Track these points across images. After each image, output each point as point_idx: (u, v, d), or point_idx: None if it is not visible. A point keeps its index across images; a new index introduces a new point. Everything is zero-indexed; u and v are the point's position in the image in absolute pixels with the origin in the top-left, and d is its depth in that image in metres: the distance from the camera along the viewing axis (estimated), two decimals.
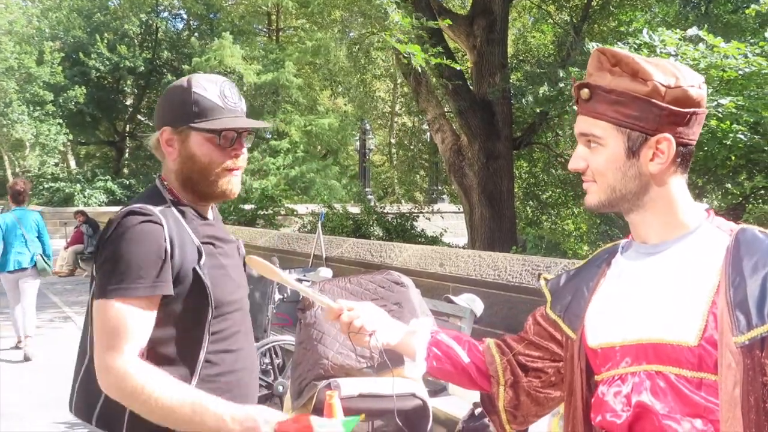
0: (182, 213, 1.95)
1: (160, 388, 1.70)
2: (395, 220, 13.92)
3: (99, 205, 26.60)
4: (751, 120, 6.23)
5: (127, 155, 34.01)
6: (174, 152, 1.98)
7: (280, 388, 5.37)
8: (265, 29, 32.71)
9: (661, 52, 6.42)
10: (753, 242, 1.38)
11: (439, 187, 22.83)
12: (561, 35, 14.40)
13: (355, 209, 14.92)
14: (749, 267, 1.34)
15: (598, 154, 1.47)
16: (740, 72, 6.07)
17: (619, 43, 7.29)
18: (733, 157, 6.50)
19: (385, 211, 14.98)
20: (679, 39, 6.49)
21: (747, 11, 8.02)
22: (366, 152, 24.43)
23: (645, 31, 7.17)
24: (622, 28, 13.51)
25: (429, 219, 15.60)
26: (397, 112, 23.87)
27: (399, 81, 20.91)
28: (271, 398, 5.54)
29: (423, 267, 6.25)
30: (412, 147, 17.64)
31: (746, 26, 11.01)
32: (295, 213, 16.27)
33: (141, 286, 1.77)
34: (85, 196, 27.39)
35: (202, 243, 1.92)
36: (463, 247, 11.63)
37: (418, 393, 3.66)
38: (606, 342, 1.50)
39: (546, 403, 1.74)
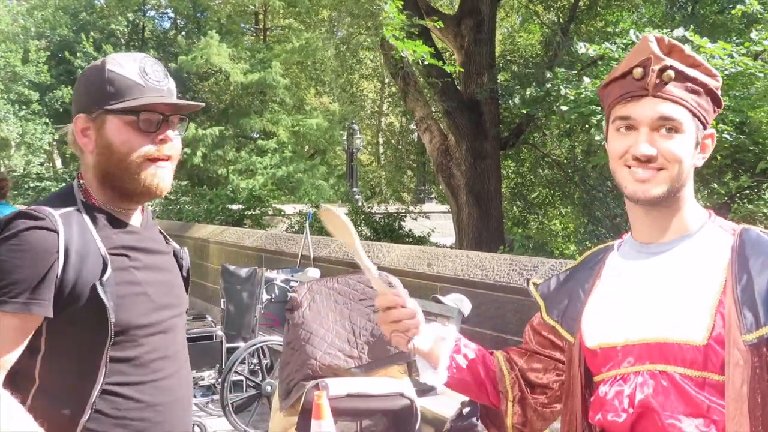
0: (93, 218, 1.66)
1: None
2: (383, 220, 13.93)
3: None
4: (737, 120, 6.27)
5: None
6: (90, 143, 1.69)
7: (268, 388, 5.35)
8: (252, 29, 32.62)
9: None
10: (758, 242, 1.39)
11: (427, 187, 22.84)
12: (548, 35, 14.43)
13: (342, 209, 14.91)
14: (756, 266, 1.34)
15: (674, 140, 1.40)
16: (726, 72, 6.11)
17: (606, 43, 7.31)
18: (719, 157, 6.54)
19: (373, 211, 14.98)
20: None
21: (733, 12, 8.06)
22: (353, 152, 24.41)
23: (632, 31, 7.19)
24: (609, 29, 13.56)
25: (416, 219, 15.61)
26: (385, 112, 23.89)
27: (387, 81, 20.92)
28: (259, 398, 5.53)
29: (411, 267, 6.25)
30: (399, 147, 17.67)
31: (732, 27, 11.08)
32: (282, 213, 16.23)
33: (11, 302, 1.49)
34: None
35: (113, 254, 1.63)
36: (451, 247, 11.64)
37: (406, 393, 3.66)
38: (606, 342, 1.48)
39: (551, 417, 1.69)
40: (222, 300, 6.42)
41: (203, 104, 1.81)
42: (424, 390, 4.38)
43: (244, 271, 6.18)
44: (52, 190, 27.25)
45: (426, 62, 9.04)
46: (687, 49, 1.43)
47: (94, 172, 1.71)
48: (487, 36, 11.77)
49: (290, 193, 24.93)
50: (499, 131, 12.12)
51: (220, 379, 5.39)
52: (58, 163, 33.37)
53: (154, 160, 1.69)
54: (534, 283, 1.76)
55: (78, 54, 28.51)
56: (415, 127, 14.15)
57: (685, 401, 1.35)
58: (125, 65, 1.68)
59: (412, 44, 8.72)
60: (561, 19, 13.86)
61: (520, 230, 15.83)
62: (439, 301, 5.10)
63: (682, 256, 1.43)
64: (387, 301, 1.63)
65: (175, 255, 1.91)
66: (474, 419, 3.57)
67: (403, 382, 3.91)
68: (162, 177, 1.70)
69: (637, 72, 1.41)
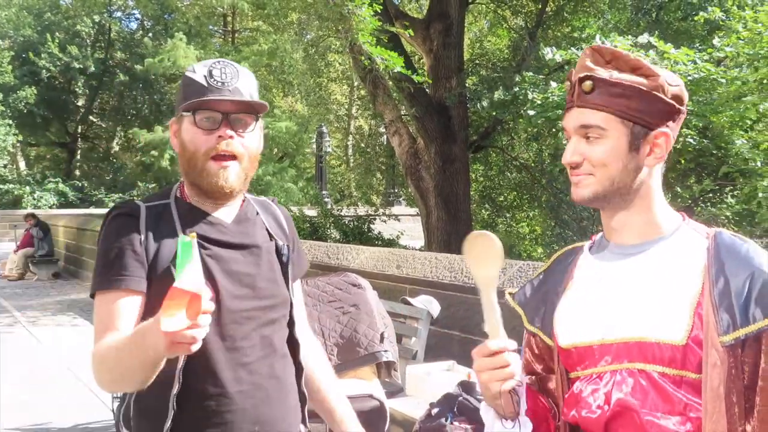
0: (180, 211, 1.83)
1: (108, 344, 1.63)
2: (352, 223, 13.89)
3: (49, 207, 26.05)
4: (700, 125, 6.39)
5: (78, 157, 33.36)
6: (176, 144, 1.85)
7: None
8: (220, 31, 32.42)
9: None
10: (732, 246, 1.43)
11: (396, 190, 22.87)
12: (516, 40, 14.56)
13: (311, 212, 14.85)
14: (732, 269, 1.38)
15: (598, 145, 1.46)
16: (689, 78, 6.22)
17: (572, 48, 7.40)
18: (682, 161, 6.66)
19: (342, 213, 14.94)
20: (631, 45, 6.62)
21: (696, 18, 8.22)
22: (322, 155, 24.36)
23: (598, 37, 7.29)
24: (575, 34, 13.72)
25: (386, 221, 15.62)
26: (354, 116, 23.88)
27: (356, 84, 20.91)
28: None
29: (380, 269, 6.27)
30: (368, 150, 17.65)
31: (695, 33, 11.29)
32: None
33: (106, 279, 1.72)
34: (34, 198, 26.81)
35: None
36: (420, 250, 11.67)
37: (375, 394, 3.67)
38: (581, 342, 1.50)
39: None
40: None
41: (264, 103, 1.84)
42: (393, 391, 4.40)
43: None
44: (16, 193, 26.91)
45: (396, 70, 9.07)
46: (629, 54, 1.47)
47: (181, 171, 1.87)
48: (455, 40, 11.84)
49: (259, 196, 24.78)
50: (468, 135, 12.18)
51: None
52: (22, 165, 32.84)
53: (216, 158, 1.77)
54: (510, 293, 1.75)
55: (42, 55, 28.12)
56: (384, 130, 14.15)
57: (663, 399, 1.38)
58: (197, 69, 1.81)
59: (386, 52, 8.74)
60: (528, 25, 13.99)
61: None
62: (408, 303, 5.12)
63: (658, 257, 1.46)
64: (499, 346, 1.41)
65: (278, 251, 1.96)
66: (443, 420, 3.59)
67: (373, 383, 3.92)
68: (226, 176, 1.78)
69: (567, 86, 1.52)
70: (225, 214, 1.88)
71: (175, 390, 1.72)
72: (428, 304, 5.02)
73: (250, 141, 1.83)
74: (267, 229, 1.97)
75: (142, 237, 1.75)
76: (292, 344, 1.98)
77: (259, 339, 1.85)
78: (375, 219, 14.63)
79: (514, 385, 1.41)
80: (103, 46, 31.36)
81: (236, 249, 1.85)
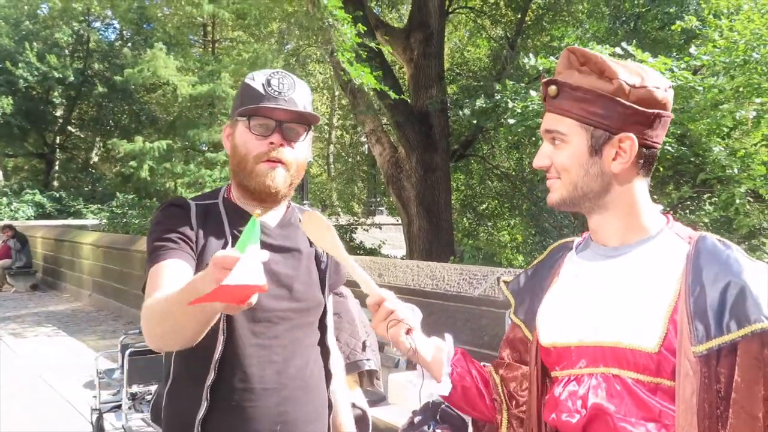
0: (227, 210, 1.92)
1: (158, 297, 1.66)
2: None
3: (27, 219, 25.74)
4: (678, 132, 6.44)
5: (57, 167, 33.03)
6: (228, 146, 1.95)
7: None
8: (200, 40, 32.32)
9: None
10: (713, 252, 1.39)
11: (378, 199, 22.89)
12: (496, 49, 14.66)
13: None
14: (710, 277, 1.35)
15: (561, 150, 1.47)
16: None
17: (551, 57, 7.45)
18: (661, 168, 6.71)
19: None
20: (609, 54, 6.68)
21: (673, 27, 8.30)
22: None
23: (576, 46, 7.34)
24: (554, 43, 13.83)
25: (368, 231, 15.61)
26: (335, 125, 23.88)
27: (337, 93, 20.92)
28: None
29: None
30: (350, 159, 17.66)
31: (672, 42, 11.41)
32: None
33: (156, 256, 1.77)
34: (12, 210, 26.48)
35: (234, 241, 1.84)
36: (402, 258, 11.68)
37: (357, 403, 3.65)
38: (560, 342, 1.50)
39: None
40: None
41: (316, 115, 1.92)
42: (376, 400, 4.38)
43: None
44: None
45: (373, 87, 9.10)
46: (605, 57, 1.45)
47: (230, 172, 1.94)
48: (436, 49, 11.89)
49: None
50: (449, 144, 12.23)
51: None
52: (0, 176, 32.47)
53: (268, 161, 1.85)
54: (504, 281, 1.78)
55: (20, 64, 27.84)
56: (365, 139, 14.17)
57: (637, 405, 1.37)
58: (256, 78, 1.88)
59: (362, 68, 8.75)
60: (508, 34, 14.10)
61: (470, 241, 15.97)
62: None
63: (639, 260, 1.45)
64: (374, 298, 1.63)
65: (317, 258, 2.03)
66: (425, 428, 3.58)
67: (355, 392, 3.90)
68: (273, 176, 1.85)
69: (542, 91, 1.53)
70: (270, 217, 1.96)
71: (209, 380, 1.78)
72: (410, 312, 5.01)
73: (299, 150, 1.91)
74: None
75: (193, 228, 1.84)
76: (324, 350, 2.04)
77: (290, 340, 1.90)
78: (357, 228, 14.64)
79: (404, 329, 1.60)
80: (81, 56, 31.11)
81: (278, 252, 1.91)
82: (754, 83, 6.37)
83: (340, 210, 18.38)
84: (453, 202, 13.43)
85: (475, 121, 10.73)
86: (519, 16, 13.72)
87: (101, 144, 32.70)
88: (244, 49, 23.49)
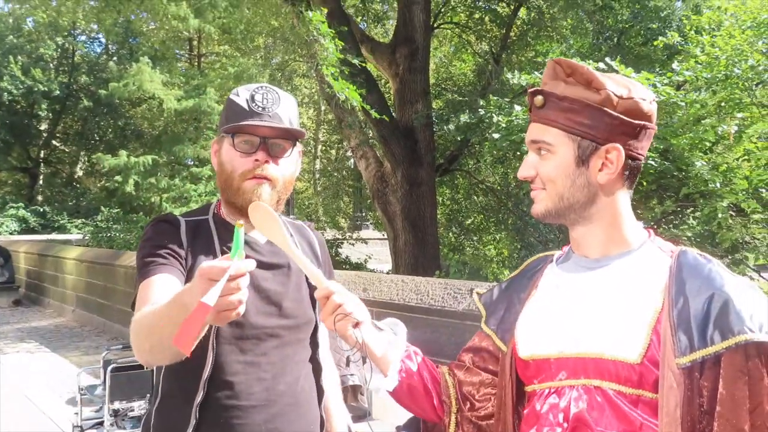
0: (217, 226, 1.91)
1: (145, 311, 1.64)
2: None
3: (10, 234, 25.53)
4: (661, 147, 6.48)
5: (41, 182, 32.80)
6: (216, 163, 1.93)
7: None
8: (186, 55, 32.29)
9: None
10: (695, 266, 1.39)
11: (364, 214, 22.88)
12: (481, 64, 14.74)
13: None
14: (693, 290, 1.35)
15: (547, 161, 1.46)
16: None
17: (536, 72, 7.50)
18: (644, 183, 6.75)
19: None
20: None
21: (655, 43, 8.39)
22: None
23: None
24: (539, 59, 13.93)
25: (353, 245, 15.60)
26: (321, 139, 23.88)
27: (323, 108, 20.95)
28: None
29: None
30: (335, 174, 17.66)
31: (655, 58, 11.54)
32: None
33: (146, 271, 1.76)
34: None
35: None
36: (387, 273, 11.66)
37: None
38: (539, 354, 1.48)
39: (488, 431, 1.66)
40: None
41: (302, 130, 1.90)
42: (360, 415, 4.36)
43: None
44: None
45: (356, 104, 9.13)
46: (591, 68, 1.45)
47: (219, 189, 1.93)
48: (421, 64, 11.94)
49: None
50: (435, 158, 12.26)
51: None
52: None
53: (253, 178, 1.84)
54: (478, 293, 1.77)
55: (4, 78, 27.70)
56: (351, 154, 14.19)
57: (618, 417, 1.36)
58: (241, 93, 1.86)
59: (346, 84, 8.78)
60: (493, 49, 14.19)
61: (455, 256, 15.97)
62: (374, 326, 5.10)
63: (621, 272, 1.44)
64: (321, 291, 1.58)
65: None
66: None
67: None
68: (260, 193, 1.84)
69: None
70: (259, 234, 1.93)
71: (198, 399, 1.77)
72: (394, 327, 4.98)
73: (285, 166, 1.90)
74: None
75: (182, 244, 1.83)
76: (315, 366, 2.01)
77: (279, 357, 1.88)
78: (343, 243, 14.61)
79: (352, 324, 1.56)
80: (66, 70, 31.00)
81: (267, 268, 1.90)
82: (736, 98, 6.44)
83: (326, 224, 18.36)
84: (438, 216, 13.44)
85: (460, 136, 10.77)
86: (504, 31, 13.82)
87: (86, 158, 32.52)
88: (230, 64, 23.50)
